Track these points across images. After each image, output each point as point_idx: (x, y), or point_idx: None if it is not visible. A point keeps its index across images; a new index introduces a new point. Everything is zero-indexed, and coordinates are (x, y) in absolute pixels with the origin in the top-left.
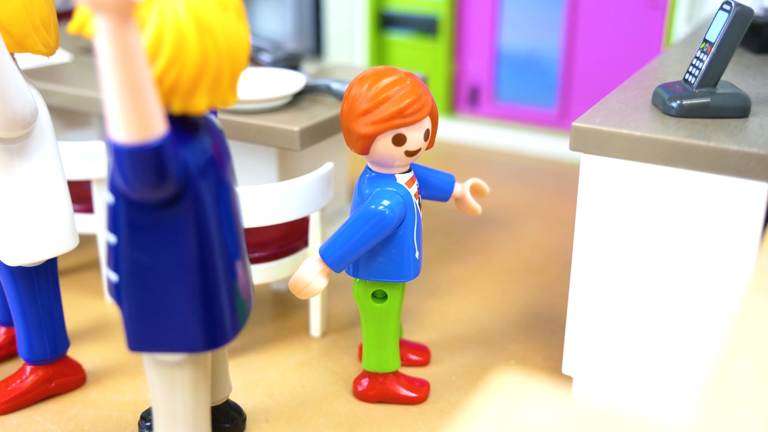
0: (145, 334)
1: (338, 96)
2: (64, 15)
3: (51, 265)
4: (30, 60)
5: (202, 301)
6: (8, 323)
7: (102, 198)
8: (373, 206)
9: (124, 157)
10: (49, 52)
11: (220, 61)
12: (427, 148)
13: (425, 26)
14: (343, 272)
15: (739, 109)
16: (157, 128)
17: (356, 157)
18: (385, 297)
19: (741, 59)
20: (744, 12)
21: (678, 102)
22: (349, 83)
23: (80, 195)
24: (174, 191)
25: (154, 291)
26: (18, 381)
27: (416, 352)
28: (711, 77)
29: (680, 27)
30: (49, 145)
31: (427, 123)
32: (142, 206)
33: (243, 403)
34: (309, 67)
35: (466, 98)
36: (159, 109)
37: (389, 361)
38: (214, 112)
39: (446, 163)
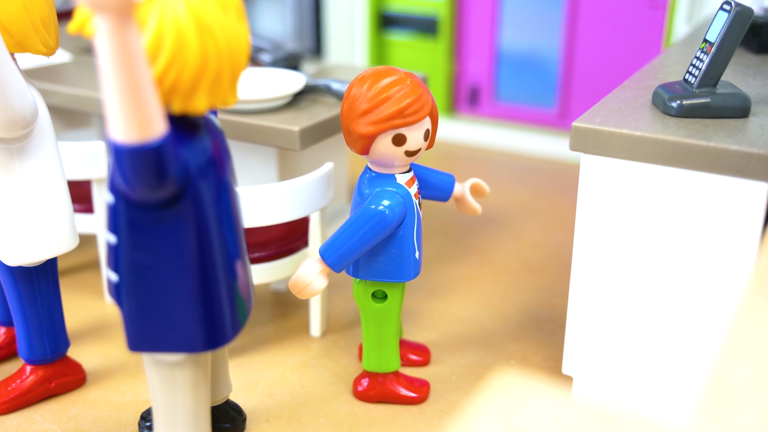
0: (145, 334)
1: (338, 96)
2: (64, 15)
3: (51, 265)
4: (30, 60)
5: (202, 301)
6: (8, 323)
7: (102, 198)
8: (373, 206)
9: (124, 157)
10: (49, 52)
11: (220, 61)
12: (427, 148)
13: (425, 26)
14: (343, 272)
15: (739, 109)
16: (157, 128)
17: (356, 157)
18: (385, 297)
19: (741, 59)
20: (744, 12)
21: (678, 102)
22: (349, 83)
23: (80, 195)
24: (174, 191)
25: (154, 291)
26: (18, 381)
27: (416, 352)
28: (711, 77)
29: (680, 27)
30: (49, 145)
31: (427, 123)
32: (142, 206)
33: (243, 403)
34: (309, 67)
35: (466, 98)
36: (159, 109)
37: (389, 361)
38: (214, 112)
39: (446, 163)
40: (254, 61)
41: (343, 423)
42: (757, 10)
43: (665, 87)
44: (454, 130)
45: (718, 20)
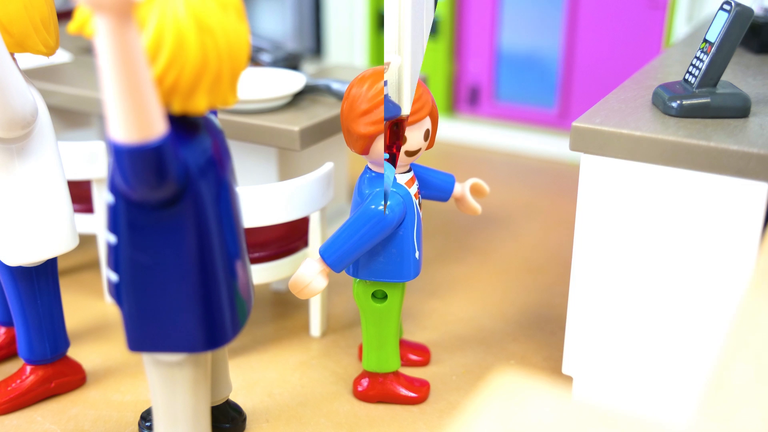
0: (145, 334)
1: (338, 96)
2: (64, 15)
3: (51, 265)
4: (30, 60)
5: (202, 301)
6: (8, 323)
7: (102, 198)
8: (372, 206)
9: (124, 157)
10: (49, 52)
11: (220, 61)
12: (427, 148)
13: None
14: (343, 272)
15: (739, 109)
16: (157, 128)
17: (356, 157)
18: (385, 297)
19: (741, 59)
20: (744, 12)
21: (678, 102)
22: (349, 83)
23: (80, 195)
24: (174, 191)
25: (154, 291)
26: (18, 381)
27: (416, 352)
28: (711, 77)
29: (680, 27)
30: (49, 145)
31: (427, 123)
32: (142, 206)
33: (243, 403)
34: (309, 67)
35: (466, 98)
36: (159, 109)
37: (389, 361)
38: (214, 112)
39: (446, 163)
40: (254, 61)
41: (343, 423)
42: (757, 10)
43: (665, 87)
44: (454, 130)
45: (718, 20)
